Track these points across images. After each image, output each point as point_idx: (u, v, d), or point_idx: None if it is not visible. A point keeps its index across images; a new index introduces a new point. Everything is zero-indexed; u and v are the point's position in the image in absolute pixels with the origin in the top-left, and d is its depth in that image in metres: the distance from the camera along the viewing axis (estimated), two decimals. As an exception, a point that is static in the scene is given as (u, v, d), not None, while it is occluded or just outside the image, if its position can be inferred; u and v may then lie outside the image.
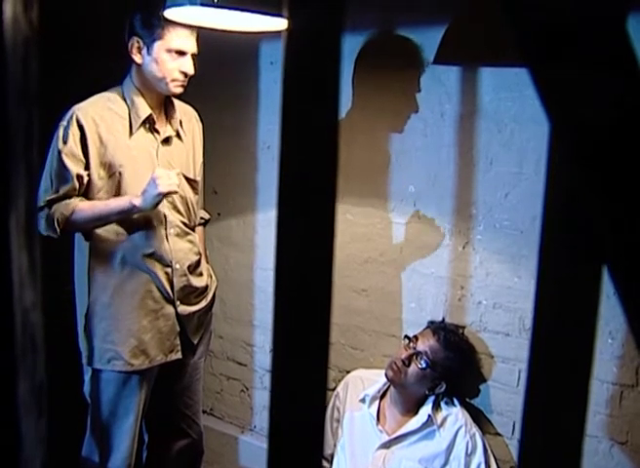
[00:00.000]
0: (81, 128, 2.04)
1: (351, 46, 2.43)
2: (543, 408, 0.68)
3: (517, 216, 2.24)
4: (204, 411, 2.78)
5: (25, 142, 0.48)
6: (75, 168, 2.05)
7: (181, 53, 2.07)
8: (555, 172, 0.72)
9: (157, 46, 2.06)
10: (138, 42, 2.08)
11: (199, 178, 2.34)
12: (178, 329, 2.26)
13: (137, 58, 2.10)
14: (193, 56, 2.11)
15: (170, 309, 2.23)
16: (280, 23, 1.86)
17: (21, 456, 0.49)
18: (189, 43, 2.08)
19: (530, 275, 2.21)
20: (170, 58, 2.07)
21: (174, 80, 2.09)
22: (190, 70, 2.09)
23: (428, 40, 2.31)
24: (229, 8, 1.77)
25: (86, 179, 2.08)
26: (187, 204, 2.26)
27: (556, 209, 0.71)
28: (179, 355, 2.26)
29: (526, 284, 2.23)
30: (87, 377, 2.22)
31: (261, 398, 2.93)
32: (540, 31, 0.63)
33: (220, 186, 2.86)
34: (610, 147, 0.69)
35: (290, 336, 0.59)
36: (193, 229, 2.32)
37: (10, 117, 0.46)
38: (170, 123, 2.22)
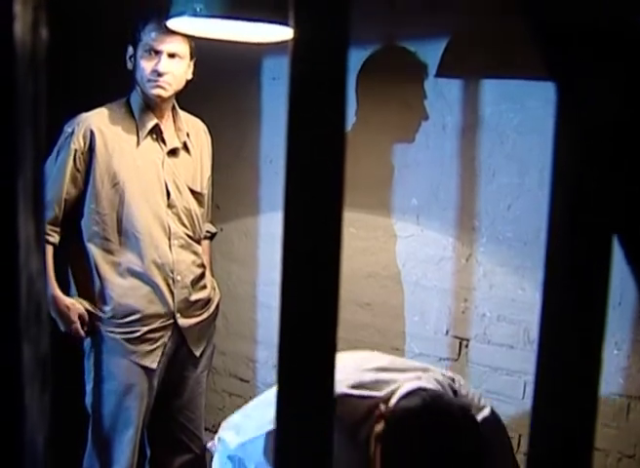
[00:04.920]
0: (86, 136, 2.08)
1: (354, 60, 2.45)
2: (551, 421, 0.67)
3: (520, 228, 2.24)
4: (206, 429, 2.75)
5: (33, 110, 0.48)
6: (69, 178, 2.09)
7: (156, 51, 2.08)
8: (561, 177, 0.71)
9: (139, 48, 2.10)
10: (130, 50, 2.13)
11: (205, 192, 2.35)
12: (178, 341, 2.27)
13: (129, 65, 2.14)
14: (173, 56, 2.10)
15: (170, 321, 2.23)
16: (283, 33, 1.88)
17: (26, 425, 0.49)
18: (165, 42, 2.08)
19: (534, 287, 2.20)
20: (146, 57, 2.09)
21: (149, 80, 2.10)
22: (161, 68, 2.07)
23: (430, 53, 2.33)
24: (230, 18, 1.79)
25: (75, 192, 2.12)
26: (192, 217, 2.26)
27: (562, 216, 0.71)
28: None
29: (530, 296, 2.22)
30: (88, 388, 2.21)
31: (264, 415, 2.90)
32: (558, 31, 0.64)
33: (222, 201, 2.86)
34: (622, 147, 0.69)
35: (295, 354, 0.58)
36: (198, 242, 2.32)
37: (18, 83, 0.46)
38: (177, 134, 2.23)
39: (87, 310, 2.17)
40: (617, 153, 0.71)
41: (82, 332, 2.15)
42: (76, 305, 2.15)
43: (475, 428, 1.38)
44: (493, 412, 1.53)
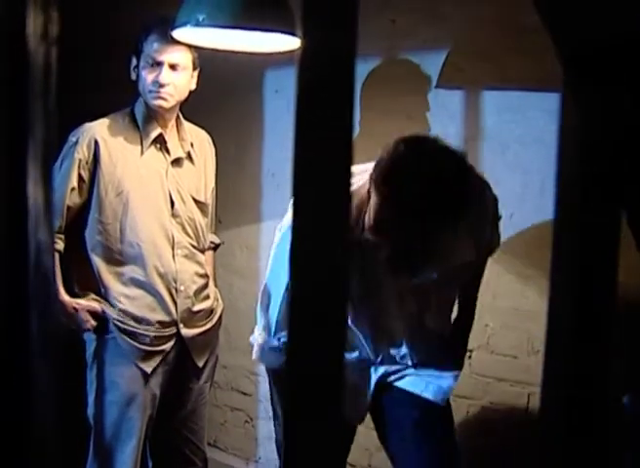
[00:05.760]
0: (90, 145, 2.09)
1: (356, 73, 2.46)
2: (559, 433, 0.66)
3: (523, 237, 2.24)
4: (208, 443, 2.73)
5: (44, 78, 0.49)
6: (72, 187, 2.11)
7: (158, 62, 2.09)
8: (566, 183, 0.72)
9: (141, 59, 2.12)
10: (134, 61, 2.15)
11: (209, 202, 2.36)
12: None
13: (132, 75, 2.16)
14: (175, 66, 2.11)
15: (173, 330, 2.24)
16: (287, 43, 1.89)
17: (35, 394, 0.48)
18: (167, 53, 2.09)
19: (537, 295, 2.20)
20: (147, 68, 2.10)
21: (150, 91, 2.11)
22: (162, 79, 2.08)
23: (431, 64, 2.35)
24: (233, 27, 1.80)
25: (79, 201, 2.13)
26: (196, 227, 2.27)
27: (568, 222, 0.71)
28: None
29: (533, 304, 2.21)
30: (90, 399, 2.21)
31: (266, 428, 2.87)
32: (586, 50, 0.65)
33: (223, 214, 2.86)
34: (630, 150, 0.70)
35: (304, 359, 0.59)
36: (202, 252, 2.33)
37: (30, 54, 0.47)
38: (181, 144, 2.24)
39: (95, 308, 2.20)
40: (623, 157, 0.72)
41: (94, 323, 2.16)
42: (82, 303, 2.17)
43: (466, 172, 1.53)
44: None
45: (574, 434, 0.66)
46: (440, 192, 1.46)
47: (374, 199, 1.51)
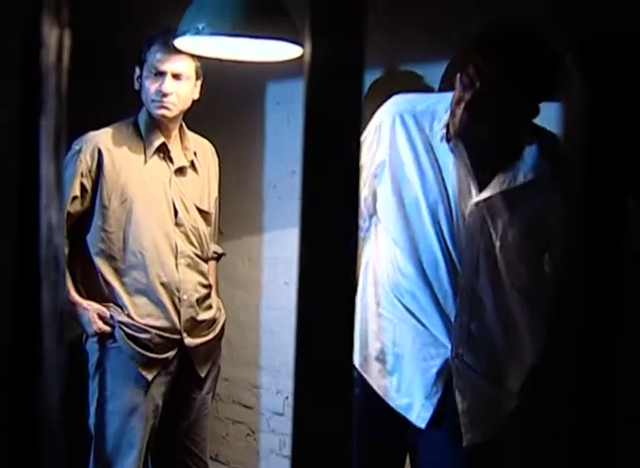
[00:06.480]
0: (94, 154, 2.11)
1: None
2: (561, 432, 0.66)
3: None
4: (209, 457, 2.72)
5: (57, 58, 0.49)
6: (73, 195, 2.12)
7: (161, 72, 2.11)
8: (570, 188, 0.72)
9: (144, 69, 2.14)
10: (137, 71, 2.17)
11: (212, 211, 2.37)
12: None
13: (136, 85, 2.18)
14: (178, 76, 2.12)
15: (175, 339, 2.24)
16: (288, 52, 1.90)
17: (44, 367, 0.49)
18: (169, 63, 2.11)
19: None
20: (150, 78, 2.12)
21: (153, 101, 2.13)
22: (165, 89, 2.10)
23: (432, 75, 2.36)
24: (233, 35, 1.82)
25: (81, 209, 2.14)
26: (200, 235, 2.28)
27: (572, 222, 0.71)
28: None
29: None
30: (92, 409, 2.20)
31: (268, 442, 2.86)
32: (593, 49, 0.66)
33: (225, 225, 2.87)
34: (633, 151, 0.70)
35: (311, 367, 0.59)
36: (206, 262, 2.33)
37: (44, 34, 0.47)
38: (184, 153, 2.25)
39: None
40: (623, 157, 0.72)
41: (104, 327, 2.16)
42: (93, 305, 2.17)
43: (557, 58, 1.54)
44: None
45: (578, 431, 0.66)
46: (529, 62, 1.55)
47: (466, 71, 1.59)
